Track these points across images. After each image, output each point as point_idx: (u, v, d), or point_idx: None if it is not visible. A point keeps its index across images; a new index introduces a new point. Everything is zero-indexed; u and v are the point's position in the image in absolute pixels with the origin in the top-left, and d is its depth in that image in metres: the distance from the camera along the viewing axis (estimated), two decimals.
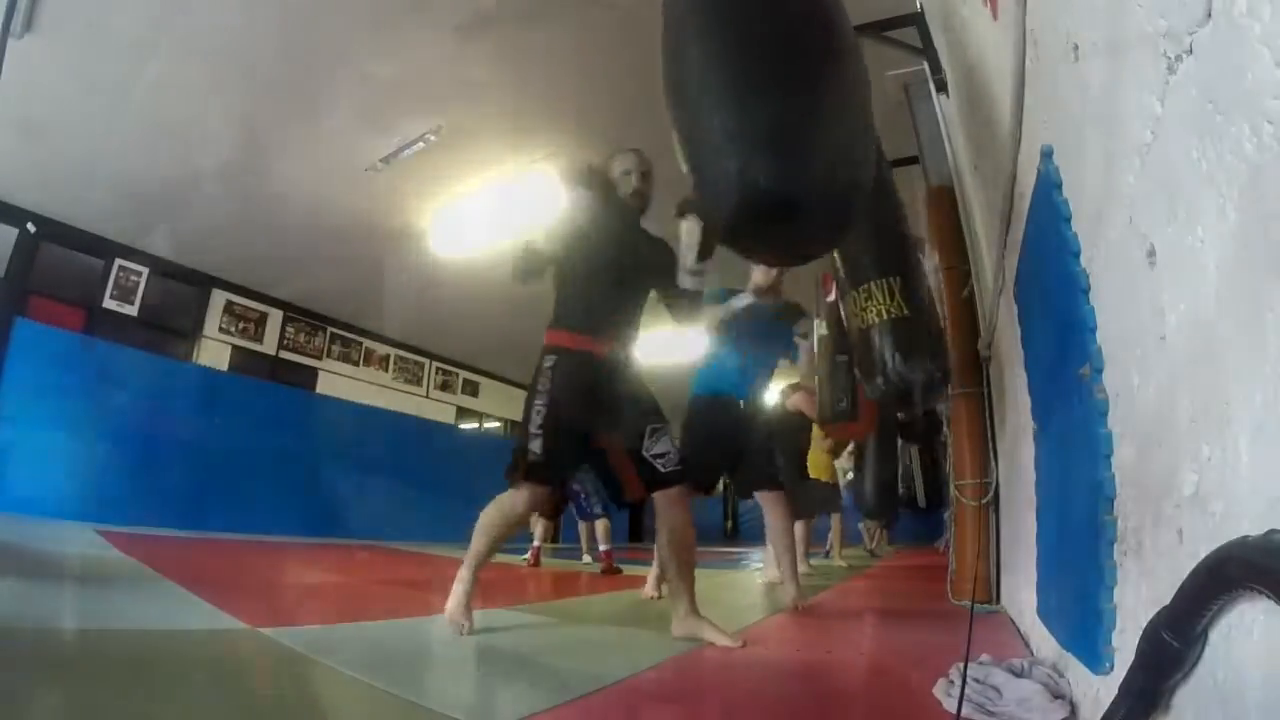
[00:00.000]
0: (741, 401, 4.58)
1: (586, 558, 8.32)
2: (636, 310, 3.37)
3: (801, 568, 7.22)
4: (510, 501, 3.07)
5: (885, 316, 4.06)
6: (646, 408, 3.25)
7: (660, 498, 3.12)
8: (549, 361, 3.17)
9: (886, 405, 4.75)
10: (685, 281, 3.18)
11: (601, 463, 3.28)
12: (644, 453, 3.13)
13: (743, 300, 4.43)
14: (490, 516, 3.09)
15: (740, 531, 19.27)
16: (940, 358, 4.08)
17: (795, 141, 2.03)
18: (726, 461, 4.61)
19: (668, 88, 2.33)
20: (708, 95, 2.13)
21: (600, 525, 7.72)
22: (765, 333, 4.60)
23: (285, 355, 12.19)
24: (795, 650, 3.01)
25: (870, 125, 2.33)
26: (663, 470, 3.11)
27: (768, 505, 4.57)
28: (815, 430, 9.75)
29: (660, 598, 4.30)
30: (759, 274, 4.57)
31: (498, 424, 16.73)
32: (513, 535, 3.23)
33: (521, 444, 3.07)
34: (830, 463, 9.63)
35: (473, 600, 3.04)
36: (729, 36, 2.16)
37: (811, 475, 9.62)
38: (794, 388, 7.11)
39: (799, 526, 8.22)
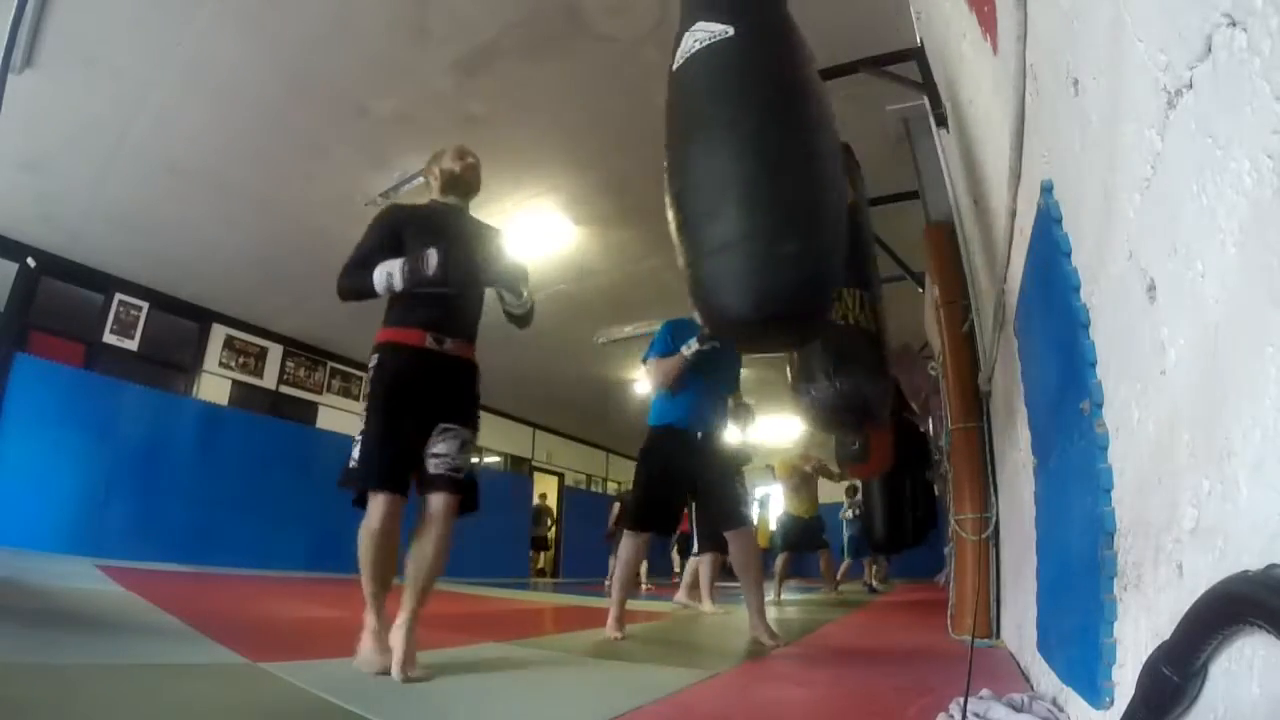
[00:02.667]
0: (699, 434, 4.51)
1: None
2: (470, 306, 3.19)
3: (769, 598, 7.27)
4: (363, 521, 2.89)
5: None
6: (456, 407, 3.03)
7: (427, 502, 2.90)
8: (372, 362, 3.02)
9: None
10: (512, 306, 3.23)
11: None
12: (427, 449, 2.91)
13: (693, 346, 4.38)
14: (359, 538, 2.91)
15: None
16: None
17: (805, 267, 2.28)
18: (680, 495, 4.56)
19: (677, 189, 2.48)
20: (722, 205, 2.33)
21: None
22: (715, 365, 4.55)
23: (285, 390, 12.22)
24: (795, 685, 2.99)
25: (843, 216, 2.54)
26: (431, 470, 2.89)
27: (736, 542, 4.50)
28: (779, 468, 9.83)
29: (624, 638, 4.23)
30: None
31: (497, 458, 16.71)
32: (388, 552, 2.91)
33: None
34: (804, 500, 9.68)
35: (379, 637, 2.87)
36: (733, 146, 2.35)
37: (791, 512, 9.67)
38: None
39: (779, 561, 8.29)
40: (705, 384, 4.56)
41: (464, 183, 3.39)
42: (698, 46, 2.49)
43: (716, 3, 2.54)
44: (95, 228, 8.74)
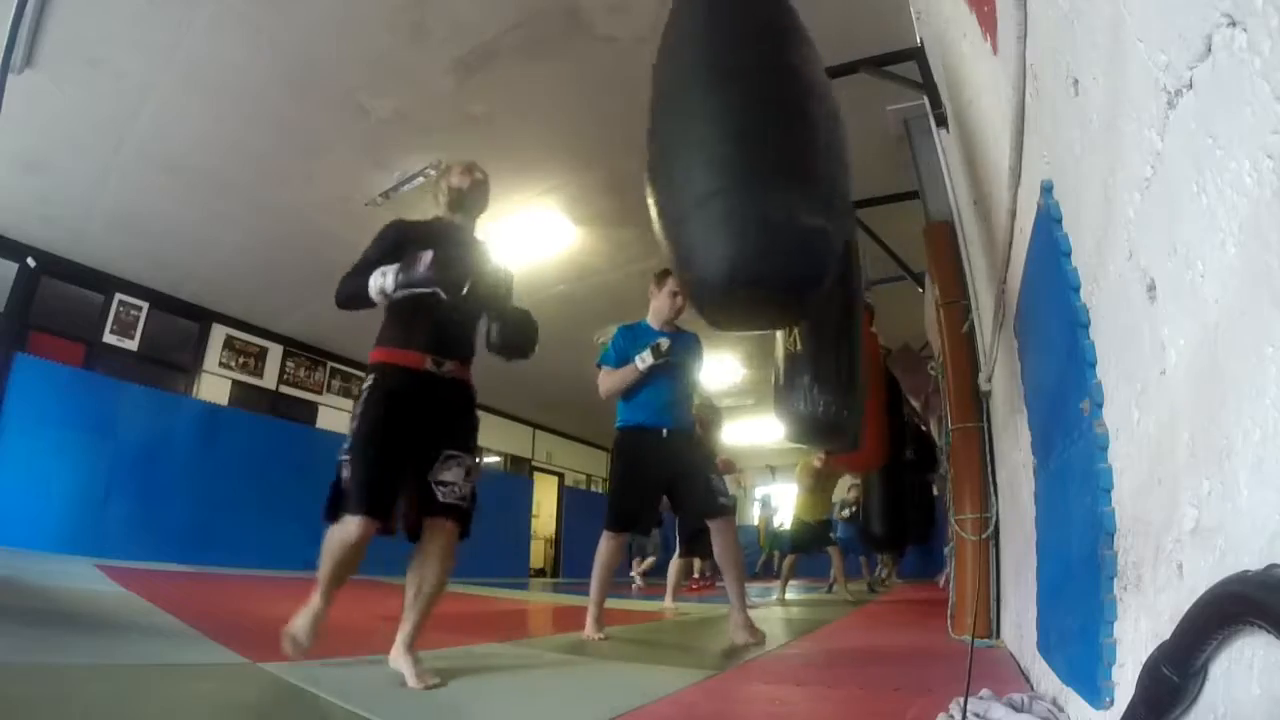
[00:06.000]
0: (664, 430, 4.51)
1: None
2: (466, 325, 3.20)
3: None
4: (336, 532, 2.82)
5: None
6: (457, 434, 3.05)
7: (429, 527, 2.90)
8: (367, 380, 2.97)
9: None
10: (493, 349, 3.25)
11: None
12: (428, 477, 2.89)
13: (648, 360, 4.43)
14: (326, 543, 2.86)
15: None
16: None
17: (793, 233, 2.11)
18: (654, 493, 4.54)
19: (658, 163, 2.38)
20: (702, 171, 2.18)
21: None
22: (676, 360, 4.56)
23: (285, 390, 12.22)
24: (795, 684, 3.00)
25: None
26: (440, 499, 2.89)
27: (717, 531, 4.45)
28: (798, 470, 9.80)
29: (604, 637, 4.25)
30: (665, 307, 4.63)
31: (497, 459, 16.71)
32: (356, 563, 2.87)
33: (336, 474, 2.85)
34: (817, 501, 9.62)
35: (321, 625, 2.88)
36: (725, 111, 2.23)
37: (800, 516, 9.62)
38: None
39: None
40: (666, 381, 4.55)
41: (469, 200, 3.31)
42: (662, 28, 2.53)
43: None
44: (95, 228, 8.75)
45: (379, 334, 3.07)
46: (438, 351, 3.01)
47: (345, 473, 2.81)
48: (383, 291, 2.89)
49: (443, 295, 2.94)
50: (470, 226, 3.34)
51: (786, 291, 2.15)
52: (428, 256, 2.86)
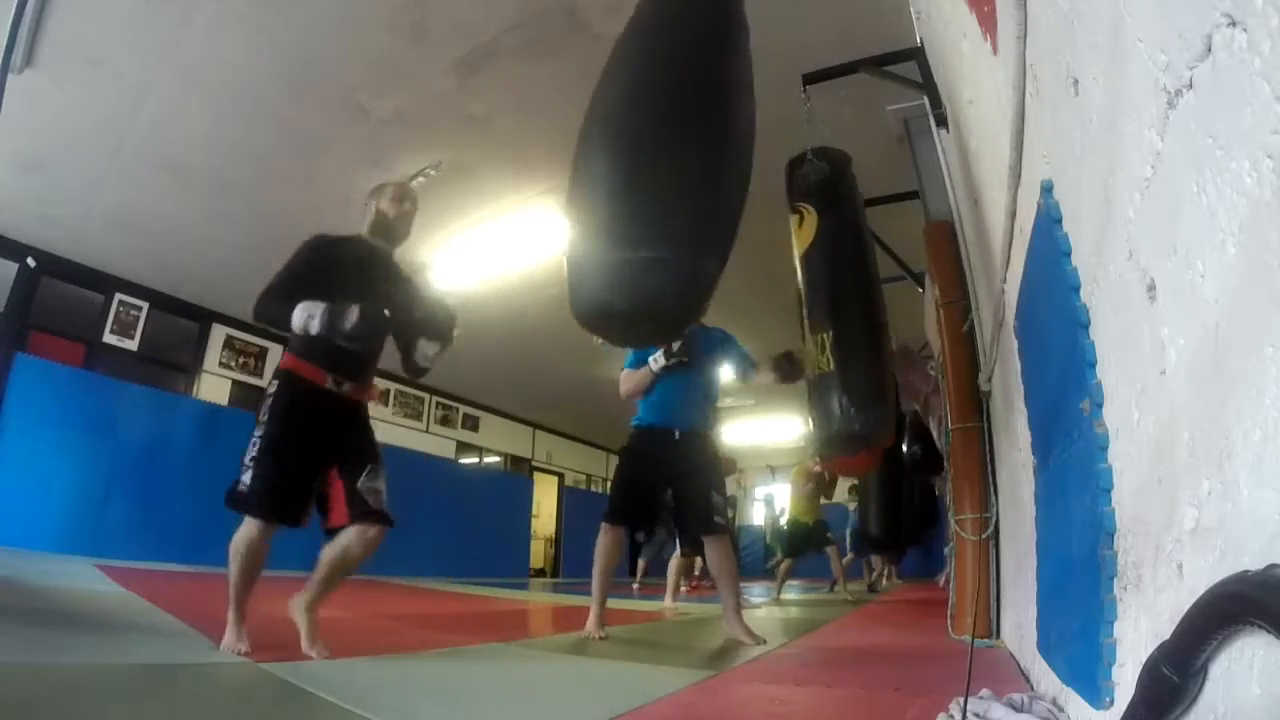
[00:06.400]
0: (677, 431, 4.51)
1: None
2: (372, 353, 3.38)
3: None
4: (241, 535, 3.18)
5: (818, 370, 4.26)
6: (369, 447, 3.28)
7: (355, 529, 3.11)
8: (272, 387, 3.21)
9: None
10: (421, 360, 3.40)
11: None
12: (358, 484, 3.14)
13: (660, 361, 4.43)
14: (233, 548, 3.21)
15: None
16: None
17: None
18: (657, 491, 4.56)
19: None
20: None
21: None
22: (690, 366, 4.53)
23: None
24: (795, 684, 2.99)
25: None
26: (371, 505, 3.13)
27: (710, 547, 4.50)
28: (795, 473, 9.82)
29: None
30: None
31: (498, 459, 16.69)
32: (259, 565, 3.24)
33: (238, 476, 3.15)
34: (813, 505, 9.64)
35: (241, 628, 3.08)
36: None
37: (798, 517, 9.64)
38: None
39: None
40: (683, 384, 4.55)
41: (392, 229, 3.50)
42: None
43: None
44: (95, 228, 8.75)
45: (291, 339, 3.21)
46: (339, 372, 3.21)
47: (246, 476, 3.12)
48: (306, 330, 2.99)
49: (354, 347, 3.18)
50: (391, 251, 3.53)
51: (624, 320, 2.36)
52: (354, 314, 2.97)
